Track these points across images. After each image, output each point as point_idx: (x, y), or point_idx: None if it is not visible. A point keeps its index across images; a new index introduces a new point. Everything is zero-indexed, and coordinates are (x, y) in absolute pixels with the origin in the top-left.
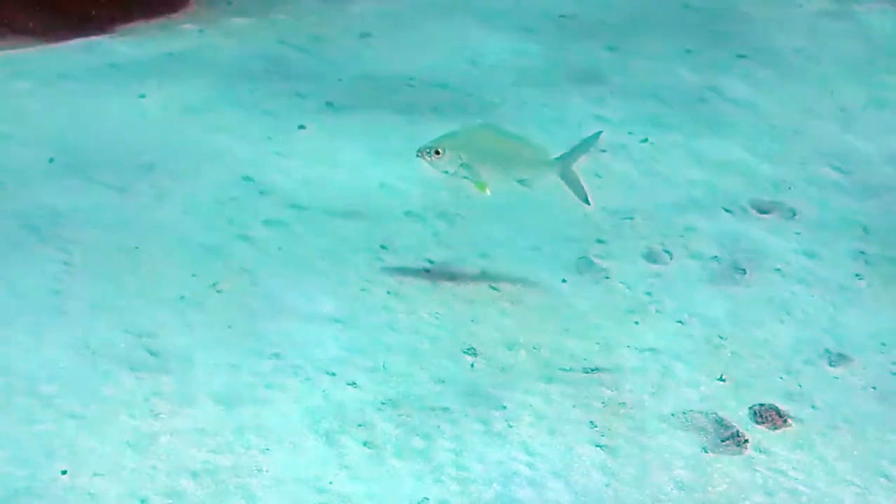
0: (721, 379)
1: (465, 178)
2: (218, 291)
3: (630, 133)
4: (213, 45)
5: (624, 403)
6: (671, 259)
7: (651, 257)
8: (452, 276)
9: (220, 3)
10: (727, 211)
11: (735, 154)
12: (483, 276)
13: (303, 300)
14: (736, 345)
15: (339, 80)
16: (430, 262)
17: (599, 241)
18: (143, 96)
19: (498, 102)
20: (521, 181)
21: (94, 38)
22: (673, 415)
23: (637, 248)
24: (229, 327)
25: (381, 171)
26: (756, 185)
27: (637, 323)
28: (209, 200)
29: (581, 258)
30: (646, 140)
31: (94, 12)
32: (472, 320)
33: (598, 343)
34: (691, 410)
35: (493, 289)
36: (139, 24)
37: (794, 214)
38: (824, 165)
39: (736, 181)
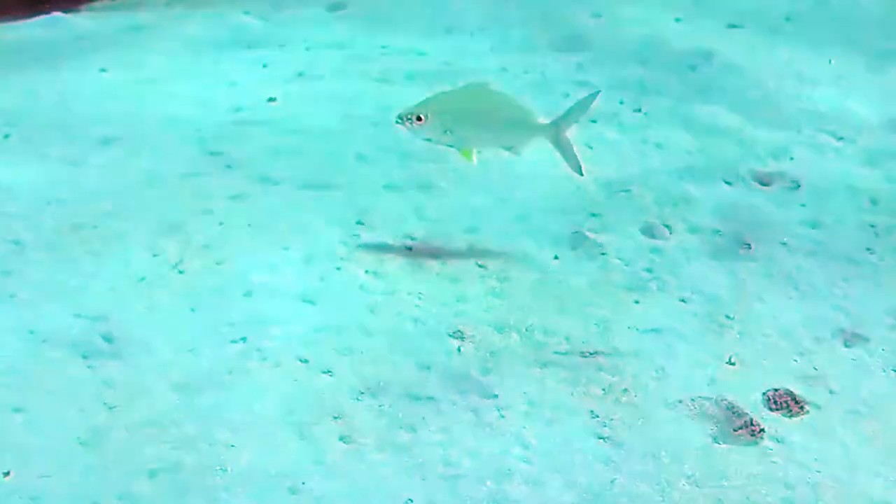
0: (730, 362)
1: (449, 145)
2: (180, 272)
3: (621, 102)
4: (179, 16)
5: (626, 390)
6: (671, 233)
7: (649, 231)
8: (436, 253)
9: None
10: (726, 182)
11: (730, 121)
12: (469, 253)
13: (272, 280)
14: (743, 324)
15: (307, 49)
16: (412, 237)
17: (593, 215)
18: (103, 70)
19: (476, 69)
20: (507, 147)
21: (56, 14)
22: (680, 402)
23: (634, 221)
24: (192, 310)
25: (357, 140)
26: (754, 154)
27: (637, 302)
28: (171, 174)
29: (574, 233)
30: (639, 110)
31: None
32: (458, 300)
33: (595, 324)
34: (700, 396)
35: (480, 266)
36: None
37: (798, 185)
38: (824, 133)
39: (733, 150)
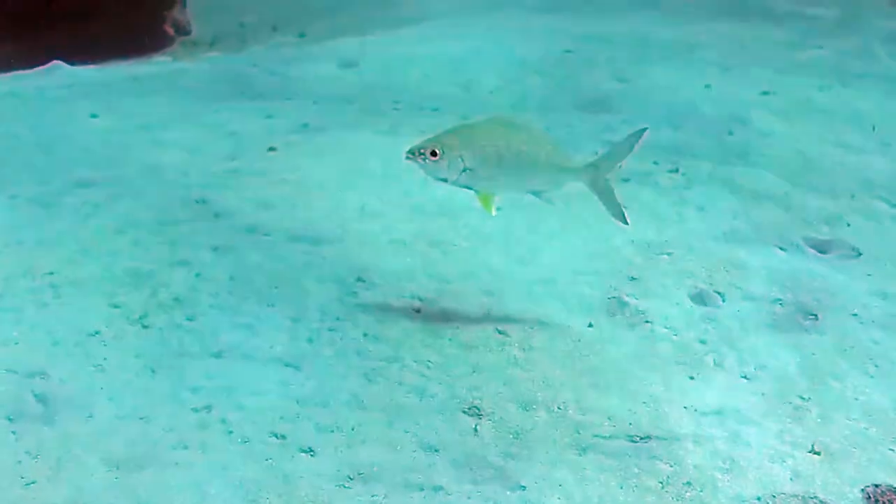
0: (814, 451)
1: (467, 187)
2: (144, 326)
3: (655, 163)
4: (181, 69)
5: (690, 483)
6: (724, 301)
7: (699, 298)
8: (448, 317)
9: (202, 44)
10: (780, 248)
11: (774, 186)
12: (486, 318)
13: (249, 340)
14: (822, 406)
15: (315, 102)
16: (420, 298)
17: (632, 279)
18: (95, 116)
19: None
20: (535, 193)
21: (56, 63)
22: (759, 499)
23: (680, 286)
24: (152, 370)
25: (360, 193)
26: (805, 220)
27: (692, 378)
28: (148, 221)
29: (611, 298)
30: (675, 170)
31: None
32: (475, 371)
33: (644, 402)
34: (783, 493)
35: (500, 332)
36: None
37: (859, 254)
38: (877, 199)
39: (781, 215)
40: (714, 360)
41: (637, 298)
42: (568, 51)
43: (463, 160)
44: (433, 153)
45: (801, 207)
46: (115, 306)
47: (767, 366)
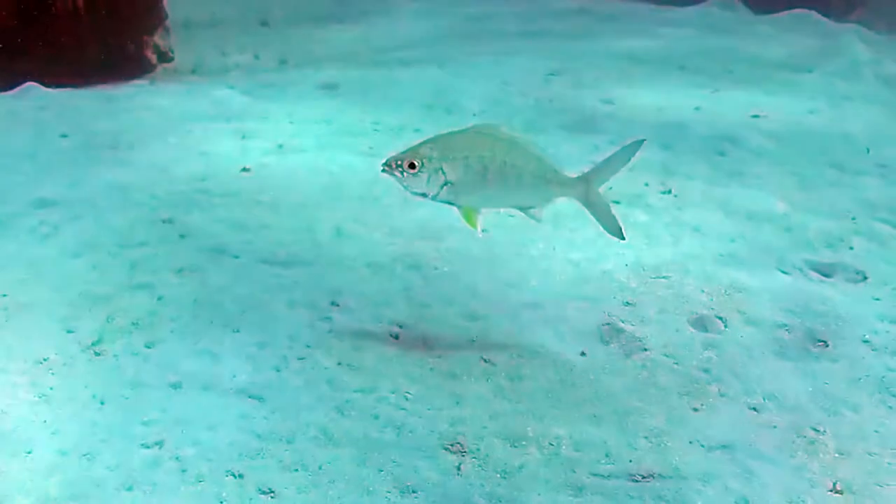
0: (836, 490)
1: (449, 202)
2: (97, 354)
3: (646, 184)
4: (156, 90)
5: None
6: (726, 326)
7: (700, 324)
8: (429, 344)
9: (184, 71)
10: (782, 272)
11: (772, 207)
12: (470, 345)
13: (210, 369)
14: (839, 439)
15: (291, 122)
16: (399, 324)
17: (627, 303)
18: (64, 136)
19: None
20: (523, 208)
21: (30, 85)
22: None
23: (679, 311)
24: (102, 402)
25: (337, 214)
26: (806, 242)
27: (696, 409)
28: (110, 242)
29: (605, 324)
30: (668, 191)
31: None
32: (458, 403)
33: (645, 437)
34: None
35: (486, 361)
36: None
37: (865, 277)
38: (879, 221)
39: (781, 236)
40: (719, 390)
41: (633, 324)
42: (552, 73)
43: (444, 173)
44: (411, 165)
45: (801, 229)
46: (69, 331)
47: (777, 396)
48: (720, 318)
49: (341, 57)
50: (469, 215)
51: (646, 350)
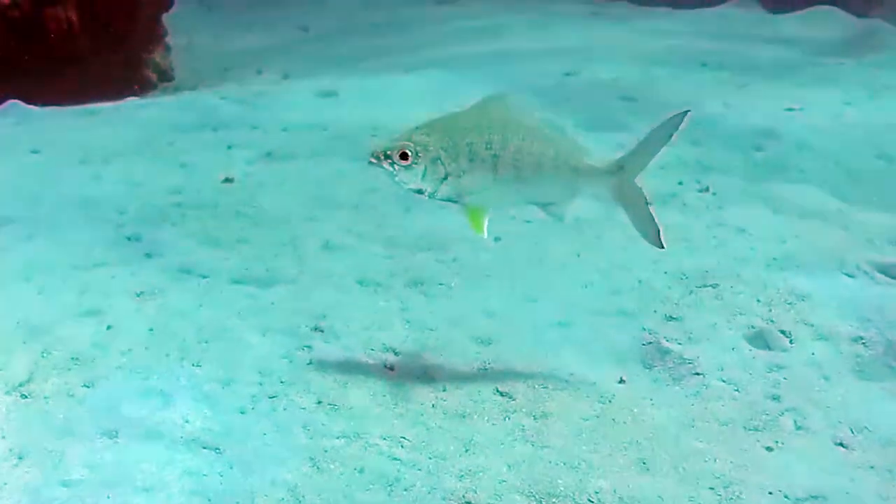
0: None
1: (450, 200)
2: (23, 396)
3: (680, 182)
4: (144, 104)
5: None
6: (792, 342)
7: (760, 340)
8: (432, 375)
9: (184, 89)
10: (847, 275)
11: (824, 203)
12: (483, 375)
13: (158, 410)
14: None
15: (284, 129)
16: (395, 351)
17: (671, 318)
18: (35, 151)
19: None
20: (542, 204)
21: (12, 103)
22: None
23: (733, 326)
24: (19, 457)
25: (326, 225)
26: (869, 241)
27: (770, 449)
28: (64, 263)
29: (647, 343)
30: (705, 189)
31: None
32: (468, 450)
33: (710, 486)
34: None
35: (502, 394)
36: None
37: None
38: None
39: (838, 235)
40: (795, 422)
41: (680, 343)
42: (568, 73)
43: (443, 164)
44: (403, 155)
45: (858, 226)
46: None
47: (867, 426)
48: (783, 333)
49: (343, 64)
50: (475, 216)
51: (698, 374)
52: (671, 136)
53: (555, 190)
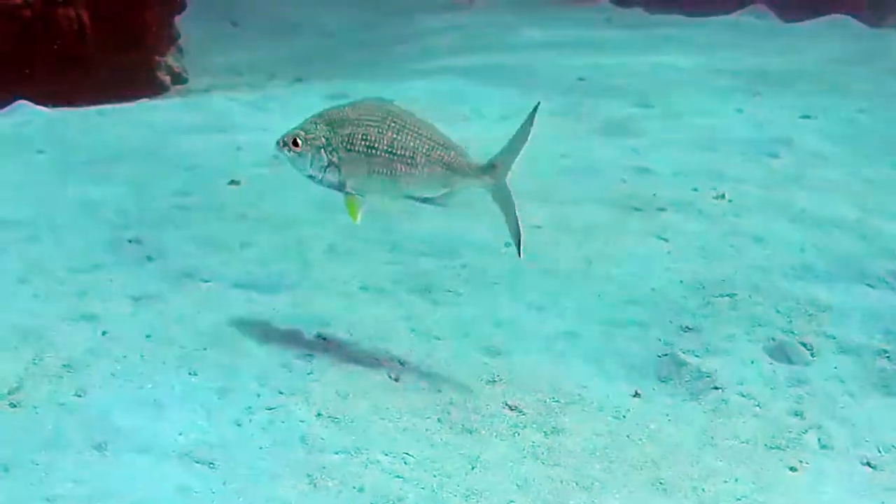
0: None
1: (332, 187)
2: (12, 405)
3: (695, 189)
4: (153, 105)
5: None
6: (813, 355)
7: (780, 353)
8: (438, 386)
9: (197, 92)
10: (868, 285)
11: (841, 211)
12: (492, 387)
13: (151, 421)
14: None
15: None
16: (400, 361)
17: (687, 329)
18: (41, 152)
19: None
20: (423, 199)
21: (21, 103)
22: None
23: (753, 337)
24: (4, 469)
25: (332, 229)
26: (886, 249)
27: (794, 469)
28: (62, 267)
29: (663, 356)
30: (721, 196)
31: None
32: (475, 467)
33: None
34: None
35: (512, 408)
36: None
37: None
38: None
39: (856, 244)
40: (819, 441)
41: (698, 356)
42: (581, 79)
43: (327, 152)
44: (294, 143)
45: (878, 235)
46: None
47: (894, 445)
48: (804, 345)
49: (357, 69)
50: (350, 203)
51: (717, 388)
52: (529, 133)
53: (430, 185)
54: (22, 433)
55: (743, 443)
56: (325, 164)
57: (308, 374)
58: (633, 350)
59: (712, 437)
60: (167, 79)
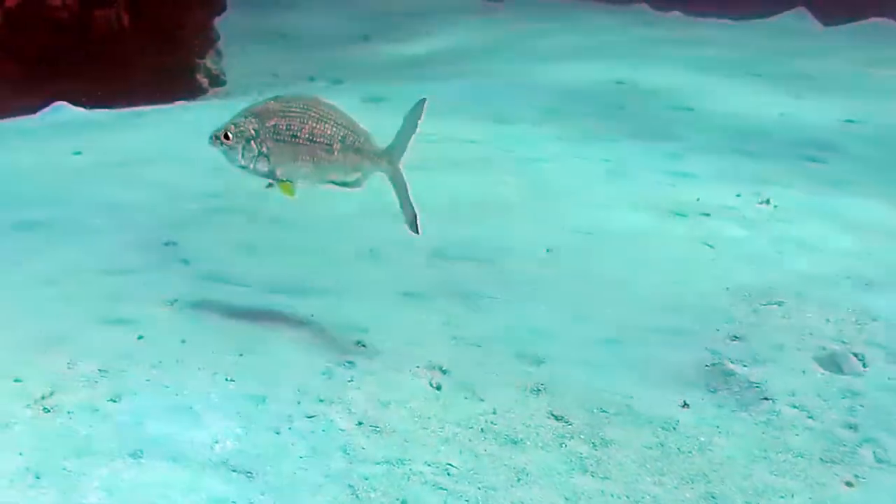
0: None
1: (262, 175)
2: (46, 410)
3: (738, 195)
4: (190, 106)
5: None
6: (866, 365)
7: (832, 363)
8: (480, 395)
9: (235, 95)
10: None
11: (889, 217)
12: (536, 396)
13: (187, 429)
14: None
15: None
16: (441, 369)
17: (735, 338)
18: (78, 153)
19: (541, 157)
20: (341, 183)
21: (59, 104)
22: None
23: (802, 347)
24: (36, 476)
25: (368, 232)
26: None
27: (850, 484)
28: (95, 268)
29: (709, 365)
30: (766, 201)
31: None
32: (520, 479)
33: None
34: None
35: (557, 418)
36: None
37: None
38: None
39: None
40: (875, 455)
41: (746, 365)
42: (619, 81)
43: (255, 144)
44: (226, 136)
45: None
46: (16, 380)
47: None
48: (857, 356)
49: (393, 71)
50: (285, 188)
51: (767, 399)
52: (417, 124)
53: (346, 170)
54: (55, 439)
55: (797, 456)
56: (256, 154)
57: (348, 381)
58: (680, 359)
59: (765, 450)
60: (205, 81)
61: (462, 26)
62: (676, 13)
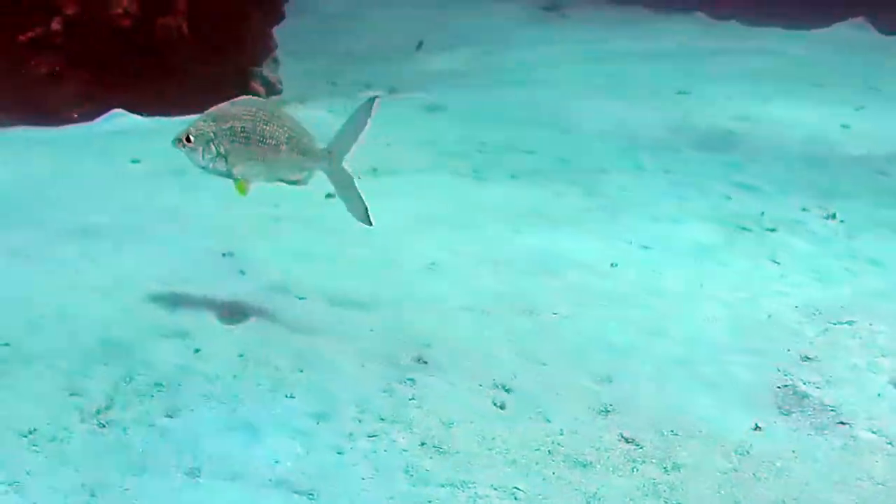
0: None
1: (221, 175)
2: (101, 425)
3: (803, 209)
4: None
5: None
6: None
7: None
8: (546, 415)
9: (292, 102)
10: None
11: None
12: (605, 417)
13: (246, 447)
14: None
15: (388, 144)
16: (506, 388)
17: (807, 358)
18: (135, 161)
19: (601, 168)
20: (289, 181)
21: (116, 111)
22: None
23: (876, 368)
24: (91, 494)
25: (428, 244)
26: None
27: None
28: (153, 278)
29: (782, 386)
30: (832, 216)
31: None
32: (590, 502)
33: None
34: None
35: (627, 441)
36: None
37: None
38: None
39: None
40: None
41: (819, 387)
42: (680, 92)
43: (215, 144)
44: (188, 139)
45: None
46: (73, 393)
47: None
48: None
49: (451, 80)
50: (239, 186)
51: (843, 423)
52: (366, 122)
53: (293, 168)
54: (110, 455)
55: (877, 484)
56: (214, 155)
57: (410, 399)
58: (750, 379)
59: (843, 477)
60: (262, 89)
61: (524, 38)
62: (733, 22)
